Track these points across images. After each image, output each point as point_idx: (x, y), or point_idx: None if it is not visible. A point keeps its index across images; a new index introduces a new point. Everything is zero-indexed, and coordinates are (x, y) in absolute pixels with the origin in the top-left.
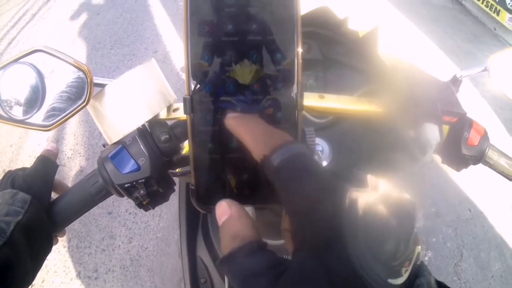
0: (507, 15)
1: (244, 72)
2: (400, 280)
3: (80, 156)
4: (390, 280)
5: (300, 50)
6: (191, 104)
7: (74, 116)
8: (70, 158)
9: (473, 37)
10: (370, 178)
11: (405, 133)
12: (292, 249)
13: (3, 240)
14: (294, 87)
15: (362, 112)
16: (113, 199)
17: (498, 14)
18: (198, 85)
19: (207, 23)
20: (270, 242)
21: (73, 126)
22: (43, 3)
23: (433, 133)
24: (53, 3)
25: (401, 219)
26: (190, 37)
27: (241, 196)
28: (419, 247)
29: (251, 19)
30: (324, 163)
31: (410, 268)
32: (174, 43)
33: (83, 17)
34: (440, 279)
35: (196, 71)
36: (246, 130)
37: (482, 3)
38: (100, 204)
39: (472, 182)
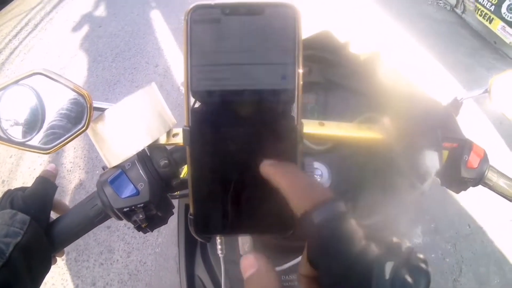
0: (500, 23)
1: (245, 104)
2: None
3: (80, 169)
4: None
5: (301, 76)
6: (190, 135)
7: None
8: (70, 171)
9: (474, 51)
10: (395, 240)
11: (404, 161)
12: None
13: (2, 261)
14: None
15: (362, 139)
16: None
17: (490, 22)
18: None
19: (207, 55)
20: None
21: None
22: (45, 14)
23: (432, 161)
24: (55, 14)
25: (418, 277)
26: (190, 64)
27: (242, 226)
28: None
29: (251, 50)
30: None
31: None
32: (175, 57)
33: (85, 29)
34: None
35: (197, 103)
36: (285, 179)
37: (478, 13)
38: None
39: (471, 197)
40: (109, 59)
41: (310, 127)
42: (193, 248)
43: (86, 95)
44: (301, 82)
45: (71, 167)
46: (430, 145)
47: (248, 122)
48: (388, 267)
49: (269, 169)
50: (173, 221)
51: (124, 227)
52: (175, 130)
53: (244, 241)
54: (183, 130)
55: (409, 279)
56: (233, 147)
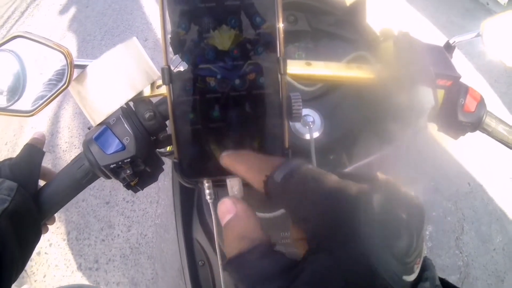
0: None
1: (222, 38)
2: (413, 277)
3: (76, 148)
4: (404, 277)
5: (281, 12)
6: (169, 74)
7: (68, 109)
8: (66, 151)
9: (466, 12)
10: (379, 175)
11: (398, 99)
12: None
13: None
14: (277, 51)
15: (352, 79)
16: (110, 188)
17: None
18: (176, 55)
19: None
20: (263, 215)
21: (67, 119)
22: (31, 0)
23: (426, 96)
24: (41, 0)
25: (412, 214)
26: (165, 5)
27: (226, 168)
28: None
29: None
30: (316, 134)
31: (420, 265)
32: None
33: (72, 11)
34: (442, 253)
35: (173, 40)
36: (242, 163)
37: None
38: (97, 194)
39: (470, 155)
40: (98, 38)
41: (297, 67)
42: (190, 211)
43: (66, 52)
44: (281, 13)
45: (67, 147)
46: (423, 80)
47: (229, 57)
48: (376, 200)
49: (226, 159)
50: (170, 189)
51: (123, 201)
52: (159, 82)
53: (233, 184)
54: (162, 70)
55: (400, 213)
56: (214, 84)
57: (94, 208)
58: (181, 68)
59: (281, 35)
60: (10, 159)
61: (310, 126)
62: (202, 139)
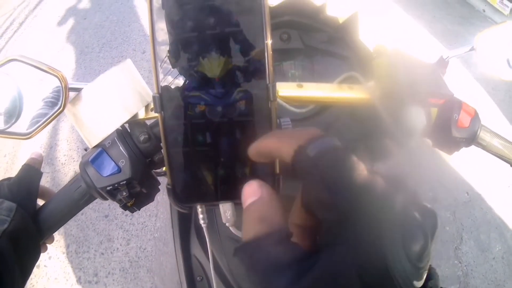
0: None
1: (212, 65)
2: (420, 283)
3: (74, 161)
4: (415, 283)
5: (269, 40)
6: (160, 102)
7: (66, 123)
8: (64, 164)
9: (462, 20)
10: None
11: (389, 119)
12: (304, 244)
13: None
14: (266, 78)
15: (344, 99)
16: (109, 202)
17: None
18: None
19: (169, 21)
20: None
21: (66, 132)
22: (29, 11)
23: (418, 116)
24: (39, 11)
25: (425, 215)
26: (155, 34)
27: (218, 193)
28: None
29: (215, 11)
30: None
31: (427, 272)
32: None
33: (70, 22)
34: (441, 263)
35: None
36: (271, 141)
37: None
38: (96, 208)
39: (468, 164)
40: (96, 50)
41: (289, 89)
42: (188, 227)
43: (60, 76)
44: (270, 41)
45: (65, 160)
46: (414, 100)
47: (218, 84)
48: (398, 201)
49: (253, 148)
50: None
51: (122, 215)
52: (153, 105)
53: (225, 209)
54: (153, 97)
55: (418, 216)
56: (204, 111)
57: (93, 222)
58: (179, 82)
59: (270, 62)
60: (8, 179)
61: None
62: (194, 165)
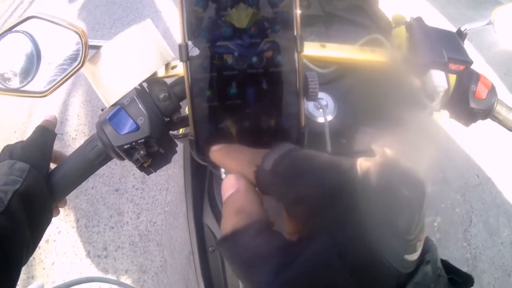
0: None
1: (240, 16)
2: (415, 256)
3: (85, 135)
4: (406, 256)
5: None
6: (186, 50)
7: (77, 97)
8: (75, 138)
9: (476, 4)
10: (376, 147)
11: (411, 82)
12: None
13: (0, 209)
14: (294, 30)
15: (366, 62)
16: (119, 175)
17: None
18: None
19: None
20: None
21: (76, 107)
22: None
23: (439, 80)
24: None
25: (413, 188)
26: None
27: (244, 143)
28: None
29: None
30: (329, 118)
31: (422, 243)
32: (174, 19)
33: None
34: (450, 245)
35: (191, 18)
36: (231, 158)
37: None
38: (106, 182)
39: (479, 147)
40: (108, 26)
41: (312, 49)
42: (201, 197)
43: (81, 32)
44: None
45: (76, 135)
46: (436, 64)
47: (246, 34)
48: (373, 173)
49: (216, 154)
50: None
51: (132, 188)
52: (173, 63)
53: None
54: (179, 46)
55: (403, 189)
56: (231, 61)
57: (103, 195)
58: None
59: (298, 14)
60: (22, 141)
61: (324, 109)
62: (218, 117)
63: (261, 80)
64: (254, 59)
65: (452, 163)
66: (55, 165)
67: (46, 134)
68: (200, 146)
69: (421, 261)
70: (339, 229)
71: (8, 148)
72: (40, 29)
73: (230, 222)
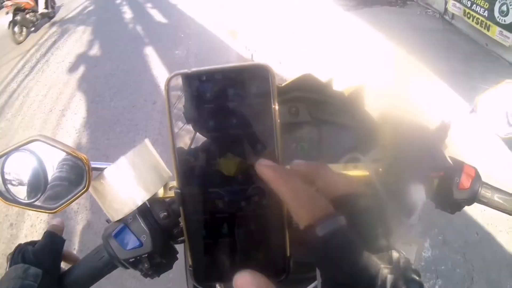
0: (497, 29)
1: (228, 165)
2: None
3: (87, 210)
4: None
5: (279, 140)
6: (181, 198)
7: None
8: (77, 212)
9: (466, 57)
10: (394, 254)
11: (391, 196)
12: None
13: None
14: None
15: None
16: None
17: (488, 30)
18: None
19: (189, 120)
20: None
21: None
22: (41, 55)
23: (418, 193)
24: (51, 56)
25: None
26: (175, 135)
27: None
28: None
29: (231, 114)
30: None
31: None
32: None
33: (81, 69)
34: None
35: (184, 166)
36: (287, 187)
37: (472, 20)
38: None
39: (476, 204)
40: (107, 99)
41: None
42: None
43: (84, 158)
44: (280, 144)
45: (78, 208)
46: (415, 178)
47: (234, 181)
48: (389, 281)
49: (268, 171)
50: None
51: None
52: (171, 183)
53: None
54: (175, 193)
55: None
56: (222, 205)
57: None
58: (196, 137)
59: (281, 161)
60: (32, 243)
61: None
62: (213, 251)
63: (249, 221)
64: (243, 203)
65: (451, 223)
66: (66, 263)
67: (55, 239)
68: (199, 275)
69: None
70: None
71: (20, 250)
72: (44, 150)
73: None
